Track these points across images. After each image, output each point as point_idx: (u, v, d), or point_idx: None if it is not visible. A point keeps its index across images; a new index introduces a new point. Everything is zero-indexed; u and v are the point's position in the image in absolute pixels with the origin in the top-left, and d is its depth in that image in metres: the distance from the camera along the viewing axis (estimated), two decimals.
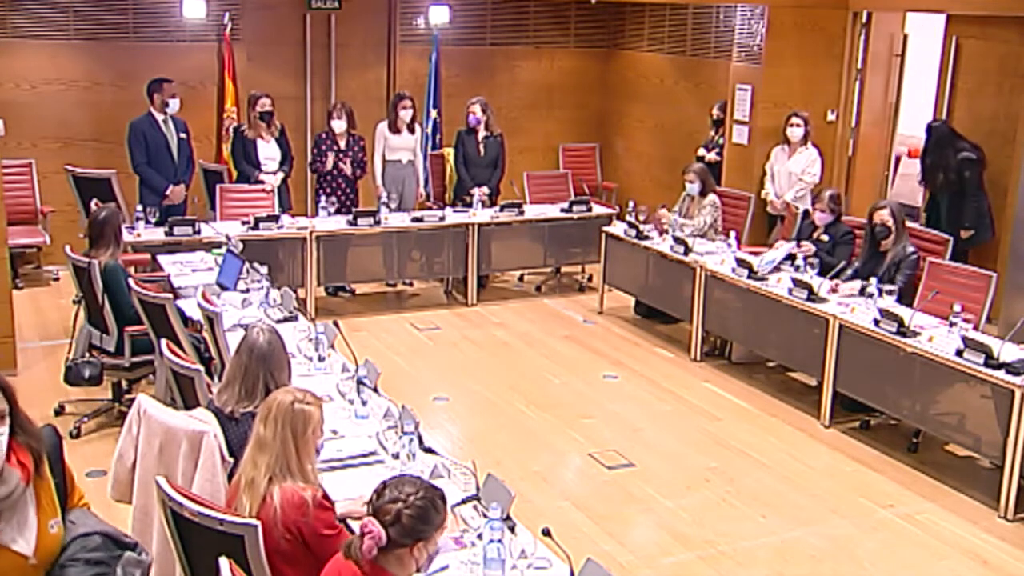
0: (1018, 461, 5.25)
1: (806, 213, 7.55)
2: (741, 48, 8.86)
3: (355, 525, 3.36)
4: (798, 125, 8.25)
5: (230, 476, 3.57)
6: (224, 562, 2.90)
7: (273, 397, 3.37)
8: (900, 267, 6.53)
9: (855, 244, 7.07)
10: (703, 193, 8.07)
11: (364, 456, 4.10)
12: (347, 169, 8.54)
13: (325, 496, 3.31)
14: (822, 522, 5.31)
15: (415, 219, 8.37)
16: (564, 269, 9.57)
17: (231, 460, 3.63)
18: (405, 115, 8.73)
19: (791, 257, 7.00)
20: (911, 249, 6.55)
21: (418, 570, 2.85)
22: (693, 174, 8.07)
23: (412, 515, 2.78)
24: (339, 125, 8.52)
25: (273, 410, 3.31)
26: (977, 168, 7.90)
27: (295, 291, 7.25)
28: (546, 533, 3.35)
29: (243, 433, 3.79)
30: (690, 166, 8.26)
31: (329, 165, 8.50)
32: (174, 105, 8.11)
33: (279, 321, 5.67)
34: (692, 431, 6.38)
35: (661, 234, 7.93)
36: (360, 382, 4.64)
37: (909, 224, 7.13)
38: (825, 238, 7.13)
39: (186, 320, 5.69)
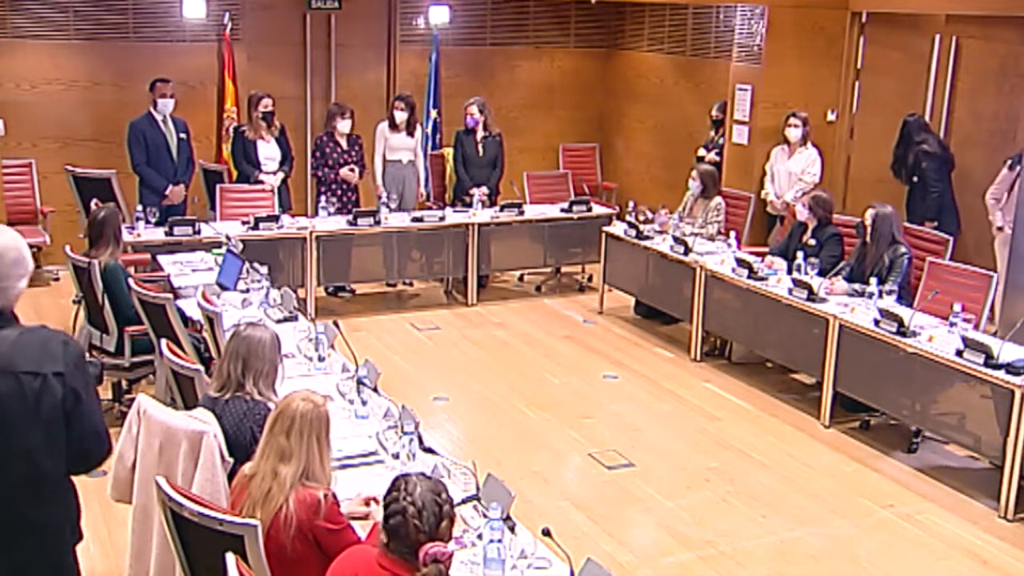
0: (1018, 461, 5.25)
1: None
2: (741, 48, 8.86)
3: (355, 524, 3.37)
4: (796, 125, 8.25)
5: (230, 476, 3.57)
6: (231, 558, 2.90)
7: (287, 405, 3.33)
8: (892, 268, 6.53)
9: (843, 245, 7.08)
10: (708, 195, 8.08)
11: (364, 456, 4.10)
12: (354, 178, 8.55)
13: (335, 495, 3.32)
14: (822, 522, 5.31)
15: (415, 219, 8.37)
16: (564, 269, 9.57)
17: (231, 460, 3.63)
18: (400, 116, 8.73)
19: (790, 259, 7.01)
20: (903, 250, 6.55)
21: None
22: (697, 175, 8.07)
23: (444, 509, 2.84)
24: (346, 125, 8.50)
25: (296, 421, 3.29)
26: (936, 162, 8.02)
27: (295, 291, 7.25)
28: (546, 533, 3.35)
29: (231, 416, 3.82)
30: (696, 167, 8.27)
31: (349, 177, 8.50)
32: (163, 105, 8.09)
33: (279, 321, 5.68)
34: (692, 431, 6.38)
35: (663, 232, 7.96)
36: (360, 382, 4.64)
37: (906, 224, 7.16)
38: (812, 242, 7.13)
39: (186, 320, 5.69)
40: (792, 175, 8.32)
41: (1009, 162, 7.53)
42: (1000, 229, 7.57)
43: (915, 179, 8.16)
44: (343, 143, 8.57)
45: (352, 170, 8.55)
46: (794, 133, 8.27)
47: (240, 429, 3.78)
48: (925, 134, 8.15)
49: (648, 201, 8.61)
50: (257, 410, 3.82)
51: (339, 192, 8.56)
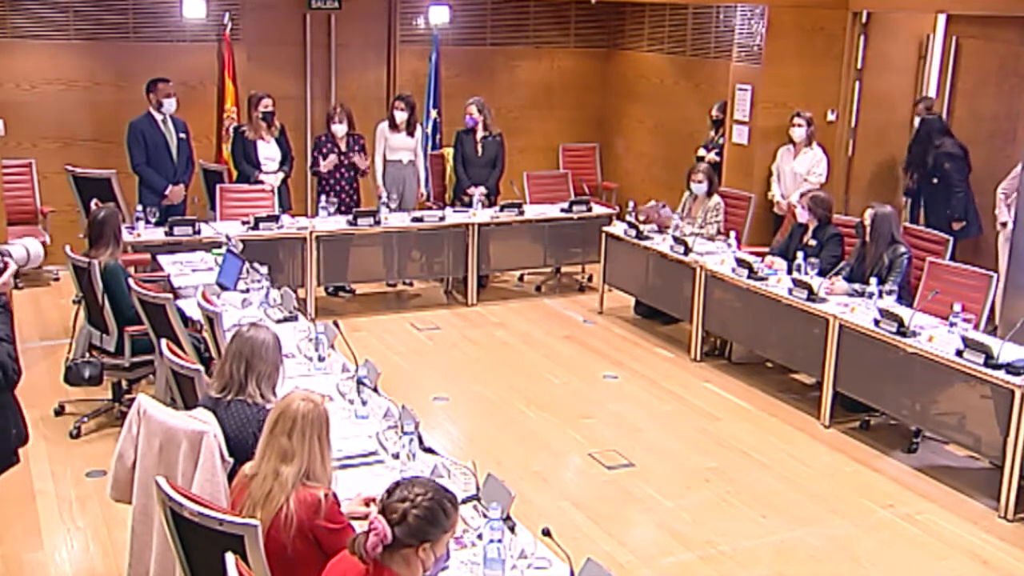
0: (1018, 461, 5.25)
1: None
2: (741, 48, 8.86)
3: (355, 524, 3.37)
4: (800, 125, 8.25)
5: (230, 476, 3.57)
6: (231, 558, 2.90)
7: (288, 405, 3.33)
8: (892, 268, 6.53)
9: (843, 245, 7.08)
10: (708, 194, 8.08)
11: (364, 456, 4.10)
12: (357, 161, 8.53)
13: (335, 495, 3.32)
14: (822, 522, 5.31)
15: (415, 219, 8.37)
16: (564, 269, 9.57)
17: (231, 460, 3.63)
18: (400, 116, 8.74)
19: (790, 259, 7.01)
20: (902, 250, 6.55)
21: (425, 571, 2.85)
22: (702, 174, 8.08)
23: (419, 515, 2.78)
24: (340, 129, 8.52)
25: (298, 421, 3.28)
26: (958, 163, 7.96)
27: (295, 291, 7.25)
28: (546, 533, 3.35)
29: (233, 419, 3.83)
30: (698, 166, 8.27)
31: (328, 167, 8.50)
32: (168, 105, 8.09)
33: (279, 321, 5.68)
34: (692, 431, 6.38)
35: (662, 230, 7.95)
36: (360, 382, 4.64)
37: (907, 224, 7.16)
38: (813, 242, 7.14)
39: (186, 320, 5.69)
40: (797, 175, 8.32)
41: None
42: (1004, 225, 7.59)
43: (935, 180, 8.10)
44: (341, 145, 8.58)
45: (341, 157, 8.51)
46: (797, 132, 8.27)
47: (242, 433, 3.78)
48: (944, 136, 8.08)
49: (648, 201, 8.59)
50: (261, 416, 3.80)
51: (337, 190, 8.57)
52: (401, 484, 2.87)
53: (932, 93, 8.84)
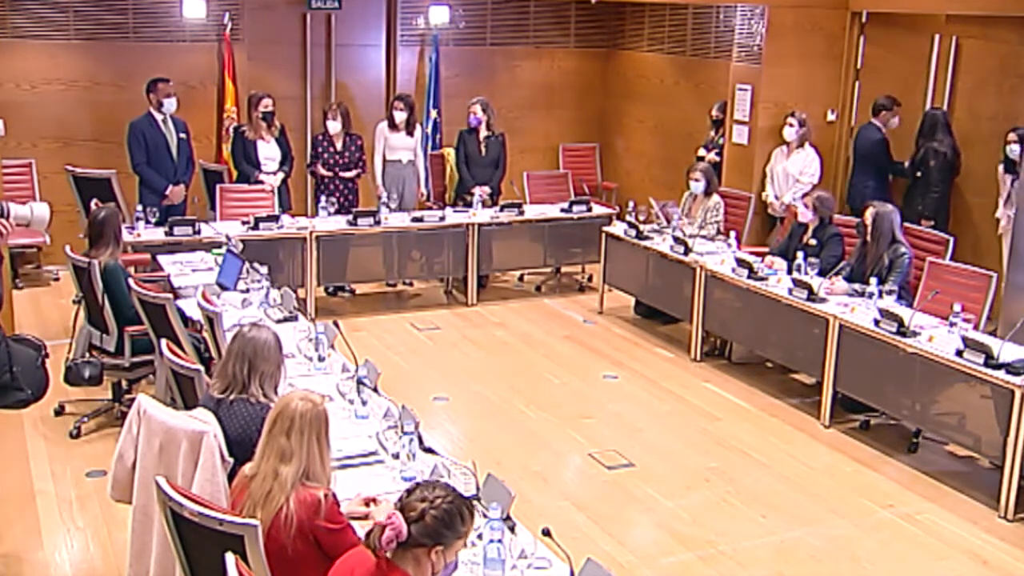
0: (1018, 461, 5.25)
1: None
2: (741, 48, 8.86)
3: (355, 525, 3.37)
4: (791, 125, 8.26)
5: (230, 476, 3.57)
6: (231, 558, 2.90)
7: (287, 405, 3.33)
8: (892, 268, 6.53)
9: (843, 244, 7.08)
10: (707, 193, 8.08)
11: (364, 456, 4.10)
12: (341, 172, 8.55)
13: (335, 495, 3.32)
14: (822, 522, 5.31)
15: (415, 219, 8.37)
16: (564, 269, 9.57)
17: (231, 460, 3.63)
18: (399, 116, 8.74)
19: (790, 259, 7.01)
20: (903, 250, 6.55)
21: (434, 574, 2.85)
22: (699, 172, 8.08)
23: (436, 516, 2.79)
24: (334, 126, 8.53)
25: (296, 421, 3.28)
26: (941, 161, 7.95)
27: (295, 291, 7.25)
28: (546, 533, 3.35)
29: (236, 418, 3.83)
30: (696, 164, 8.28)
31: (321, 171, 8.52)
32: (169, 105, 8.10)
33: (279, 321, 5.68)
34: (692, 431, 6.38)
35: (668, 222, 7.96)
36: (360, 382, 4.64)
37: (908, 224, 7.16)
38: (813, 242, 7.14)
39: (186, 320, 5.69)
40: (790, 176, 8.32)
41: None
42: (997, 221, 7.66)
43: (919, 175, 8.14)
44: (337, 144, 8.58)
45: (336, 157, 8.52)
46: (789, 132, 8.28)
47: (246, 432, 3.77)
48: (942, 134, 8.07)
49: (647, 201, 8.60)
50: (264, 415, 3.79)
51: (337, 192, 8.57)
52: (422, 485, 2.89)
53: (930, 93, 8.83)
